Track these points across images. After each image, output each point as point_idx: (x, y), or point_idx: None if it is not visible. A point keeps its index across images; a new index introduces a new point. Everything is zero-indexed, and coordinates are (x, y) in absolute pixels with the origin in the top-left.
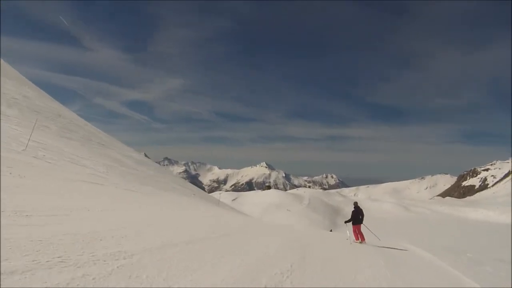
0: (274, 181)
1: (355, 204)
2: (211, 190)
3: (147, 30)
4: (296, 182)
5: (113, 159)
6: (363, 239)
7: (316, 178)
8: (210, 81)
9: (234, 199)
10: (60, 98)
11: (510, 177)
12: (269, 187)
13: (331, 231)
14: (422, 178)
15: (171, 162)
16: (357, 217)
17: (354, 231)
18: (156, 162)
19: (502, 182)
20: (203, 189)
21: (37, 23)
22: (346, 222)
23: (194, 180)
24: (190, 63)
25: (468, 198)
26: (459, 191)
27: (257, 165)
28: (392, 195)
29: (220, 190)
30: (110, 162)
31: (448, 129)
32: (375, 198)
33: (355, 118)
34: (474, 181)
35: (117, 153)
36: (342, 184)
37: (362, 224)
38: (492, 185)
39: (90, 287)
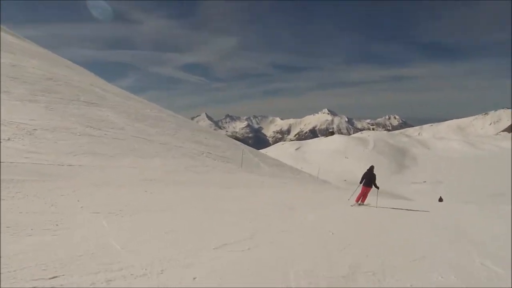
0: (337, 126)
1: (371, 167)
2: (275, 141)
3: None
4: (359, 125)
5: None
6: (363, 200)
7: (379, 120)
8: (264, 36)
9: (297, 148)
10: (112, 73)
11: None
12: (332, 133)
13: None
14: (485, 113)
15: (233, 118)
16: (369, 179)
17: (362, 192)
18: (218, 121)
19: None
20: (267, 141)
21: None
22: (360, 182)
23: (257, 133)
24: (242, 21)
25: None
26: None
27: (319, 112)
28: (457, 132)
29: (284, 141)
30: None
31: (506, 64)
32: (440, 137)
33: (412, 58)
34: None
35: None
36: (405, 124)
37: (372, 188)
38: None
39: None
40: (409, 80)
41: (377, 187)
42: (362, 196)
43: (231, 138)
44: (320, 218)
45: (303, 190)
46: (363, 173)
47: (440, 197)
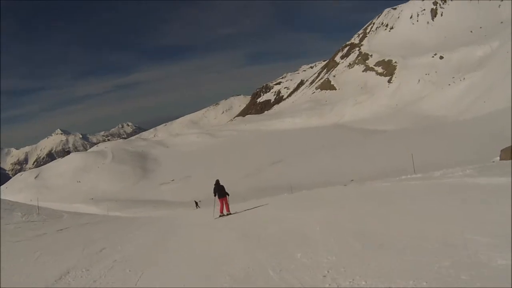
0: (73, 144)
1: (216, 181)
2: (15, 173)
3: None
4: (94, 139)
5: None
6: (228, 210)
7: (113, 130)
8: None
9: (36, 176)
10: None
11: (306, 85)
12: (68, 152)
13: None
14: (216, 104)
15: None
16: (219, 191)
17: (221, 204)
18: None
19: (298, 91)
20: (7, 176)
21: None
22: (214, 195)
23: None
24: None
25: (267, 112)
26: (255, 108)
27: (52, 134)
28: (191, 127)
29: (23, 171)
30: None
31: (234, 56)
32: (176, 134)
33: (138, 63)
34: (269, 96)
35: None
36: (139, 129)
37: (227, 196)
38: (288, 96)
39: None
40: (137, 86)
41: (228, 194)
42: (225, 206)
43: None
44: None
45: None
46: (213, 188)
47: (195, 202)
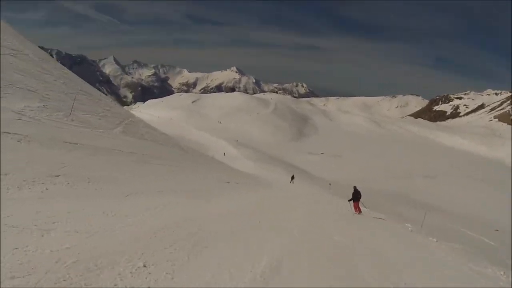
0: (244, 86)
1: (355, 187)
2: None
3: None
4: (266, 88)
5: None
6: (360, 211)
7: (287, 85)
8: None
9: (194, 101)
10: (21, 4)
11: (485, 110)
12: (233, 89)
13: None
14: (393, 96)
15: (140, 65)
16: (356, 196)
17: (355, 206)
18: (125, 66)
19: (476, 113)
20: (172, 93)
21: None
22: (349, 200)
23: (163, 83)
24: None
25: (440, 123)
26: (430, 115)
27: (227, 70)
28: (362, 109)
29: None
30: None
31: (423, 51)
32: (345, 110)
33: (329, 29)
34: (446, 107)
35: None
36: (312, 94)
37: (360, 201)
38: (464, 114)
39: None
40: (321, 51)
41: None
42: (357, 208)
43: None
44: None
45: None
46: (352, 193)
47: (293, 175)
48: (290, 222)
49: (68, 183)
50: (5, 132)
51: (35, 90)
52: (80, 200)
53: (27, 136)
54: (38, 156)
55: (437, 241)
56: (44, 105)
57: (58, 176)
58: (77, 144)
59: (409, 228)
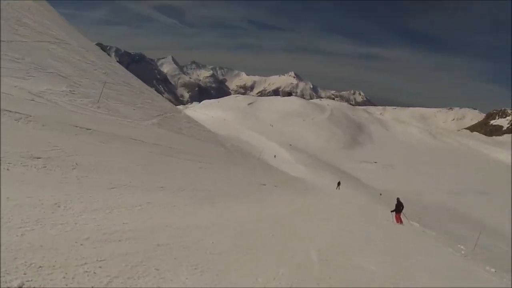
0: (301, 91)
1: (398, 199)
2: None
3: None
4: (323, 94)
5: None
6: (401, 222)
7: (344, 93)
8: None
9: (250, 103)
10: (83, 3)
11: None
12: (290, 94)
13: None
14: (450, 108)
15: (198, 66)
16: (398, 207)
17: (396, 217)
18: (183, 66)
19: None
20: (229, 94)
21: None
22: (391, 211)
23: (220, 85)
24: None
25: (495, 137)
26: (486, 129)
27: (285, 74)
28: (419, 120)
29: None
30: None
31: (483, 67)
32: (401, 120)
33: (389, 39)
34: (502, 122)
35: None
36: (368, 102)
37: (402, 213)
38: None
39: None
40: (380, 60)
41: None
42: (399, 219)
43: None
44: None
45: None
46: (395, 205)
47: (339, 181)
48: (311, 241)
49: (46, 167)
50: (6, 110)
51: (67, 76)
52: (42, 188)
53: (30, 116)
54: (28, 136)
55: (495, 271)
56: (70, 90)
57: (38, 158)
58: (90, 129)
59: (462, 251)
